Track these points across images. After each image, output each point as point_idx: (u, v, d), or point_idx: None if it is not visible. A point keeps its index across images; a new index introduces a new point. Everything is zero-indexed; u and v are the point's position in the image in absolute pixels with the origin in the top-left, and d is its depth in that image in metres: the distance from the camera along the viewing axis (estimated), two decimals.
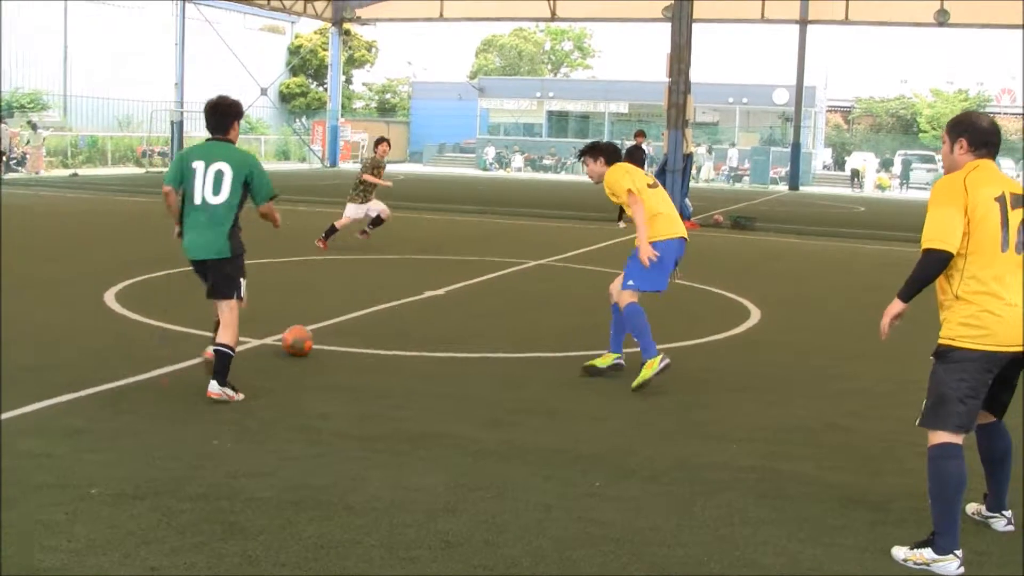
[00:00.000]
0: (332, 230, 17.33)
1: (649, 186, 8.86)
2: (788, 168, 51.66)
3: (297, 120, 65.08)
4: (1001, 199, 5.07)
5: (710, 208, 28.00)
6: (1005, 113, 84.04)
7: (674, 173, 23.83)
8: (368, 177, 17.26)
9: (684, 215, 22.69)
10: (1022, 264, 5.07)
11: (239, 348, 7.82)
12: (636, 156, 22.88)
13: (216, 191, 7.66)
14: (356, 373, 8.54)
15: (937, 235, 5.02)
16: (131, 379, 7.85)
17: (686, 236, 8.82)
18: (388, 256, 13.35)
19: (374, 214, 17.53)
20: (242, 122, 8.31)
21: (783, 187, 52.00)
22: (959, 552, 5.01)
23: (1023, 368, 5.23)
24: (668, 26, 26.35)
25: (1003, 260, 5.05)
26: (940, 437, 5.10)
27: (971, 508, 5.63)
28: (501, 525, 5.27)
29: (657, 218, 8.64)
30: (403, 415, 7.27)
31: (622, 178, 8.69)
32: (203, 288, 7.77)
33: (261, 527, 5.09)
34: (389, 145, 18.11)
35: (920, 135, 75.88)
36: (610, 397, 8.11)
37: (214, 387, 7.43)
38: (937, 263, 5.04)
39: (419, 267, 12.81)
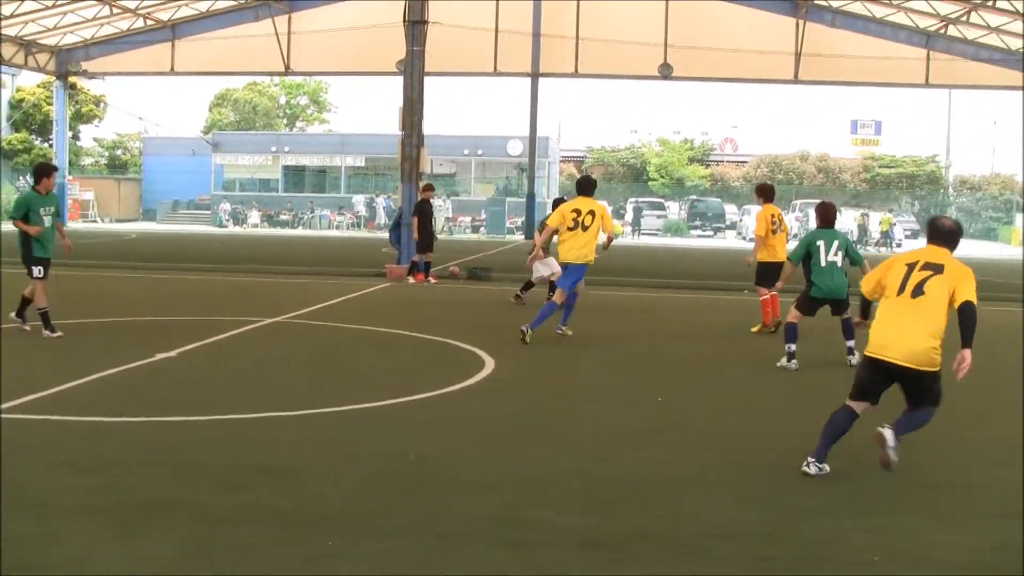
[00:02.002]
0: (529, 285, 17.91)
1: (568, 228, 13.58)
2: (524, 218, 52.72)
3: (21, 178, 62.51)
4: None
5: (447, 260, 28.16)
6: (727, 161, 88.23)
7: (408, 226, 23.88)
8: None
9: (419, 268, 22.87)
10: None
11: None
12: (424, 209, 23.49)
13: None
14: (82, 444, 8.15)
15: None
16: None
17: (577, 262, 13.74)
18: (119, 318, 12.92)
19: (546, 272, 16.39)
20: None
21: (519, 236, 52.98)
22: (821, 464, 7.52)
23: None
24: (401, 79, 26.58)
25: None
26: (847, 399, 7.62)
27: None
28: None
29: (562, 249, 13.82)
30: (132, 484, 7.00)
31: (552, 217, 14.29)
32: None
33: None
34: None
35: (650, 183, 78.82)
36: (347, 455, 8.01)
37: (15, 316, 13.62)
38: None
39: (150, 329, 12.42)
